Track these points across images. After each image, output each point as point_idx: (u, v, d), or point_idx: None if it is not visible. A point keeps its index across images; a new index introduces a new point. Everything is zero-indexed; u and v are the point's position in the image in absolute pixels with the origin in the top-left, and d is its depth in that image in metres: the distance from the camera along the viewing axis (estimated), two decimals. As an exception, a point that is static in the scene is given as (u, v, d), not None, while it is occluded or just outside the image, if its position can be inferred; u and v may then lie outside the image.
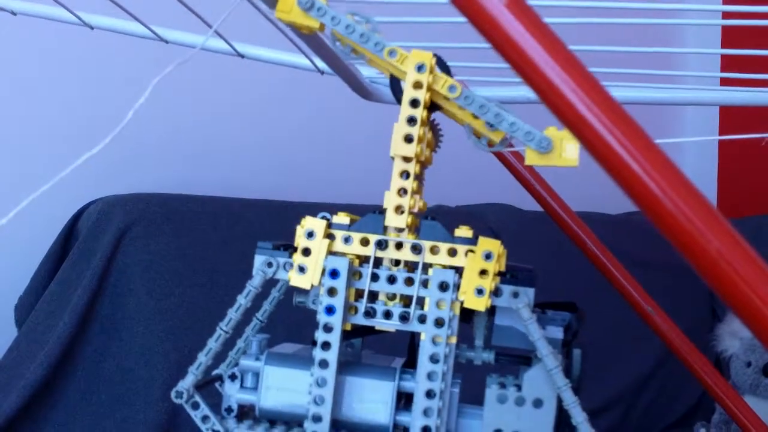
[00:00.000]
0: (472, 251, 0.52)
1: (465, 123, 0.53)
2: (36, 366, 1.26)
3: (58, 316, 1.29)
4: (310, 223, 0.54)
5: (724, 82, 1.74)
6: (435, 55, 0.53)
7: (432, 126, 0.56)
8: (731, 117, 2.11)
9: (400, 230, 0.53)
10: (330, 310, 0.52)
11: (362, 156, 1.66)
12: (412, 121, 0.52)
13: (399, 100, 0.52)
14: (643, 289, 1.68)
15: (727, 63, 2.02)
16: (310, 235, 0.53)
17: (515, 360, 0.55)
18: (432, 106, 0.54)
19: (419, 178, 0.54)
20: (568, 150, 0.52)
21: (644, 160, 0.37)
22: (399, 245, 0.52)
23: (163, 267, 1.34)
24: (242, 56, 0.80)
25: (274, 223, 1.44)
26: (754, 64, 0.80)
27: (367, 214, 0.53)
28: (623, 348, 1.76)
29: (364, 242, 0.53)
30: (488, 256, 0.51)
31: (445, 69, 0.53)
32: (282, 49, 0.81)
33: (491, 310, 0.54)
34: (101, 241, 1.32)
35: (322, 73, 0.82)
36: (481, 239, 0.52)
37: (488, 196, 1.75)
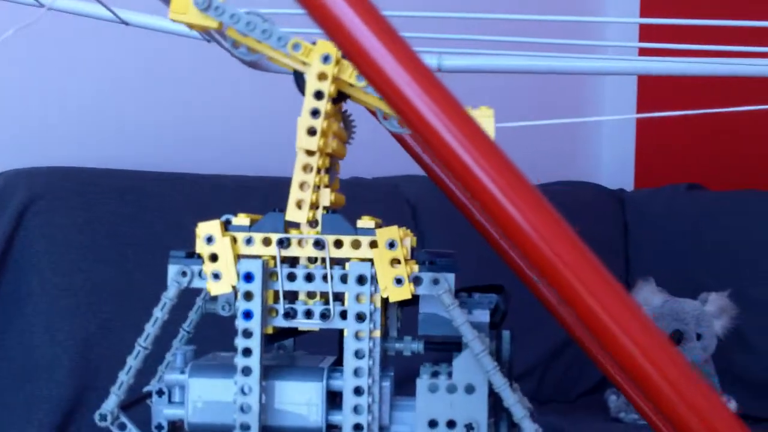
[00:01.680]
0: (375, 242, 0.52)
1: (375, 107, 0.54)
2: (-64, 345, 1.24)
3: (-41, 292, 1.27)
4: (204, 228, 0.53)
5: (643, 53, 1.79)
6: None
7: (344, 117, 0.57)
8: (649, 90, 2.17)
9: (312, 224, 0.53)
10: (248, 315, 0.52)
11: (272, 128, 1.66)
12: (315, 113, 0.52)
13: (303, 93, 0.53)
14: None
15: (646, 34, 2.07)
16: (210, 240, 0.53)
17: (446, 347, 0.56)
18: (340, 97, 0.54)
19: (330, 171, 0.55)
20: (484, 127, 0.54)
21: (451, 123, 0.38)
22: (301, 242, 0.52)
23: (69, 242, 1.32)
24: (126, 23, 0.78)
25: (184, 196, 1.43)
26: (673, 35, 0.82)
27: (269, 213, 0.53)
28: (538, 317, 1.81)
29: (266, 242, 0.53)
30: (392, 245, 0.52)
31: None
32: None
33: (414, 299, 0.54)
34: (3, 216, 1.29)
35: (209, 41, 0.81)
36: (379, 231, 0.52)
37: (406, 168, 1.77)
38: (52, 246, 1.31)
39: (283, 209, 0.53)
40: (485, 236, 0.85)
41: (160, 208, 1.39)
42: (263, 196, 1.40)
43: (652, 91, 2.14)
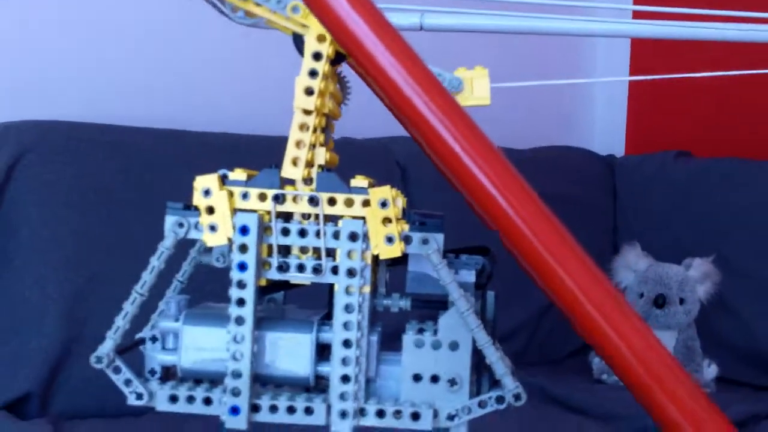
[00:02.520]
0: (368, 201, 0.54)
1: None
2: (-76, 295, 1.26)
3: (-53, 244, 1.29)
4: (201, 181, 0.55)
5: (637, 16, 1.80)
6: None
7: (339, 79, 0.58)
8: (642, 56, 2.18)
9: (307, 182, 0.55)
10: (242, 266, 0.54)
11: (261, 87, 1.67)
12: (313, 74, 0.54)
13: (302, 54, 0.54)
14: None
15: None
16: (207, 193, 0.55)
17: (432, 305, 0.58)
18: (338, 58, 0.56)
19: (325, 131, 0.56)
20: (479, 89, 0.56)
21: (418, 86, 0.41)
22: (295, 198, 0.54)
23: (58, 196, 1.34)
24: None
25: (172, 151, 1.45)
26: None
27: (265, 169, 0.55)
28: (525, 279, 1.84)
29: (262, 197, 0.54)
30: (384, 204, 0.54)
31: None
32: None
33: (403, 258, 0.56)
34: (-7, 168, 1.31)
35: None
36: (371, 190, 0.54)
37: (396, 129, 1.79)
38: (42, 199, 1.33)
39: (279, 165, 0.55)
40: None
41: (149, 163, 1.41)
42: (251, 154, 1.42)
43: (645, 57, 2.15)
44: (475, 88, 0.57)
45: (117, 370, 0.56)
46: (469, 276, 0.57)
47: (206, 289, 0.59)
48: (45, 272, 1.32)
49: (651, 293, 1.64)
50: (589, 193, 2.00)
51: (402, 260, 0.57)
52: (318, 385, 0.56)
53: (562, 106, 2.26)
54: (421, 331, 0.56)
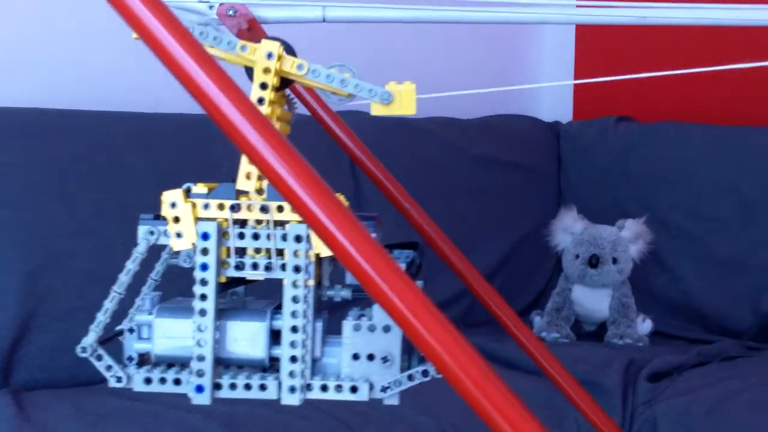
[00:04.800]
0: None
1: (318, 88, 0.67)
2: None
3: None
4: (169, 196, 0.66)
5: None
6: (282, 42, 0.66)
7: (288, 101, 0.70)
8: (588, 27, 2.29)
9: (259, 192, 0.66)
10: (204, 267, 0.66)
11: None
12: (261, 101, 0.66)
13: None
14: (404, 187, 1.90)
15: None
16: (173, 205, 0.66)
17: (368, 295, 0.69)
18: (284, 83, 0.67)
19: None
20: (406, 100, 0.67)
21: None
22: (249, 207, 0.66)
23: (17, 178, 1.44)
24: None
25: (125, 133, 1.56)
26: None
27: (222, 184, 0.67)
28: (470, 242, 1.98)
29: (221, 207, 0.67)
30: None
31: (291, 52, 0.67)
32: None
33: None
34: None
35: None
36: None
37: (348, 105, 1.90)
38: (0, 181, 1.43)
39: (234, 180, 0.66)
40: (360, 166, 0.95)
41: (105, 146, 1.51)
42: (201, 135, 1.51)
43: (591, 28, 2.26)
44: (403, 100, 0.68)
45: (99, 358, 0.67)
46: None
47: (177, 285, 0.71)
48: (4, 251, 1.43)
49: (585, 254, 1.78)
50: (535, 159, 2.13)
51: None
52: (273, 366, 0.68)
53: (511, 74, 2.37)
54: (360, 316, 0.68)
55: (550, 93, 2.40)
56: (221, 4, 0.78)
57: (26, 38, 1.59)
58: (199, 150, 1.50)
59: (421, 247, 0.72)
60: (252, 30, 0.79)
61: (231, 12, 0.77)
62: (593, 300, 1.80)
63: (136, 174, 1.51)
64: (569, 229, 1.82)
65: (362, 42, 1.88)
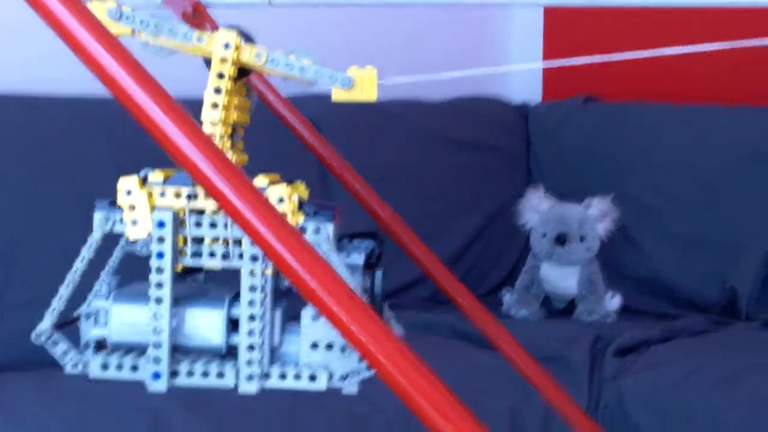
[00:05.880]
0: (267, 198, 0.66)
1: (277, 75, 0.69)
2: None
3: None
4: (124, 183, 0.66)
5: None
6: (239, 31, 0.68)
7: (247, 90, 0.71)
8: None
9: None
10: (160, 255, 0.66)
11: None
12: (218, 91, 0.67)
13: None
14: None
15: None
16: (129, 192, 0.66)
17: None
18: (242, 72, 0.69)
19: (233, 136, 0.69)
20: (367, 85, 0.69)
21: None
22: (206, 196, 0.66)
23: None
24: None
25: (86, 118, 1.56)
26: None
27: (179, 171, 0.67)
28: (439, 222, 2.00)
29: (177, 195, 0.67)
30: (280, 200, 0.66)
31: (250, 40, 0.68)
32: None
33: None
34: None
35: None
36: (269, 189, 0.66)
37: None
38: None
39: None
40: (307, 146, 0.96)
41: (63, 132, 1.52)
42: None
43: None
44: (364, 86, 0.69)
45: (55, 343, 0.67)
46: (359, 258, 0.70)
47: (138, 269, 0.70)
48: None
49: (552, 232, 1.81)
50: (504, 140, 2.16)
51: None
52: (231, 353, 0.68)
53: (479, 56, 2.39)
54: None
55: (519, 75, 2.42)
56: (165, -13, 0.79)
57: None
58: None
59: (381, 235, 0.74)
60: (197, 13, 0.81)
61: (174, -6, 0.78)
62: (561, 277, 1.84)
63: (97, 161, 1.52)
64: (536, 208, 1.85)
65: (324, 26, 1.89)
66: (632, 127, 2.04)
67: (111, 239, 0.70)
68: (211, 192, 0.56)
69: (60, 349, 0.68)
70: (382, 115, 1.95)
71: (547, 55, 2.39)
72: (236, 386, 0.67)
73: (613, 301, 1.84)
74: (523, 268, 1.90)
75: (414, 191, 1.98)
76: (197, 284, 0.73)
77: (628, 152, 2.02)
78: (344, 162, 0.91)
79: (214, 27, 0.84)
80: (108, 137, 1.57)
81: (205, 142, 0.56)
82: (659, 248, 1.95)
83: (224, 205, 0.56)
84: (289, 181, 0.72)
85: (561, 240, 1.80)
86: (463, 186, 2.06)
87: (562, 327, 1.70)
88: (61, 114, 1.56)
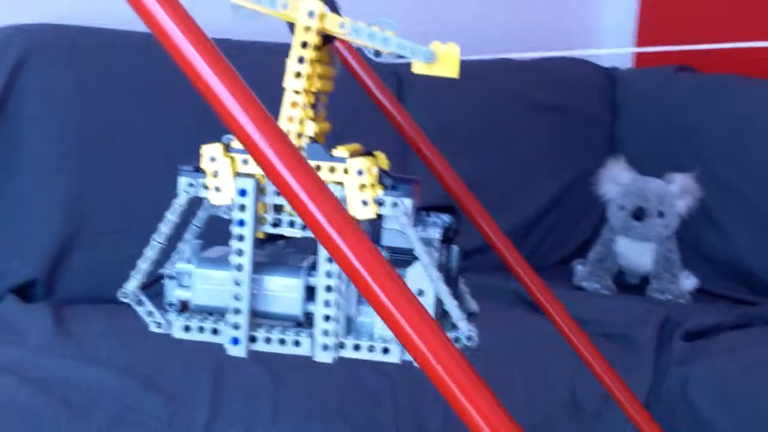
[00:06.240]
0: (347, 169, 0.67)
1: (360, 45, 0.68)
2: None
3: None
4: (208, 150, 0.67)
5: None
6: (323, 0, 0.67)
7: (331, 56, 0.71)
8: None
9: (300, 150, 0.67)
10: (241, 222, 0.67)
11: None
12: (301, 60, 0.67)
13: None
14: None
15: None
16: (213, 159, 0.67)
17: (407, 257, 0.70)
18: (327, 39, 0.68)
19: (315, 105, 0.69)
20: (449, 60, 0.68)
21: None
22: None
23: (61, 96, 1.48)
24: None
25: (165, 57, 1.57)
26: None
27: None
28: (516, 186, 1.99)
29: None
30: (360, 173, 0.67)
31: (334, 8, 0.68)
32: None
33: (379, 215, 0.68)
34: (1, 67, 1.45)
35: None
36: (349, 160, 0.67)
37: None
38: (44, 100, 1.48)
39: None
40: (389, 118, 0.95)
41: (148, 68, 1.52)
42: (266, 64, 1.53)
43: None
44: (446, 61, 0.68)
45: (140, 303, 0.70)
46: (435, 233, 0.70)
47: (220, 230, 0.72)
48: (48, 169, 1.48)
49: (631, 206, 1.78)
50: (589, 105, 2.11)
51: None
52: (308, 321, 0.70)
53: (572, 17, 2.33)
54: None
55: (610, 37, 2.36)
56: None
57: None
58: (260, 80, 1.50)
59: (458, 210, 0.73)
60: None
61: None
62: (637, 253, 1.81)
63: (176, 97, 1.53)
64: (616, 180, 1.82)
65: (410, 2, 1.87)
66: (725, 102, 1.96)
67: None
68: (268, 172, 0.54)
69: (144, 309, 0.70)
70: (464, 75, 1.91)
71: (642, 17, 2.32)
72: (311, 355, 0.69)
73: (688, 282, 1.80)
74: (597, 239, 1.87)
75: (495, 153, 1.96)
76: (278, 250, 0.74)
77: (719, 128, 1.95)
78: (420, 131, 0.91)
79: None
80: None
81: (269, 126, 0.54)
82: (741, 231, 1.89)
83: (276, 180, 0.54)
84: (369, 152, 0.72)
85: (639, 214, 1.77)
86: (544, 150, 2.03)
87: (632, 304, 1.67)
88: (152, 52, 1.56)
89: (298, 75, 0.67)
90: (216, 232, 0.73)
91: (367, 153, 0.72)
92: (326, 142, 0.72)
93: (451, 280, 0.71)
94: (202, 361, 1.16)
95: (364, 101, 0.91)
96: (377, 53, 0.68)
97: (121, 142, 1.52)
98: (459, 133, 1.90)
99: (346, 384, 1.18)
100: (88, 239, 1.49)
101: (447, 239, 0.72)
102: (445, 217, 0.72)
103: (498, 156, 1.96)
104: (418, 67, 0.67)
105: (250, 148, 0.53)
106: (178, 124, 1.52)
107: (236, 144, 0.68)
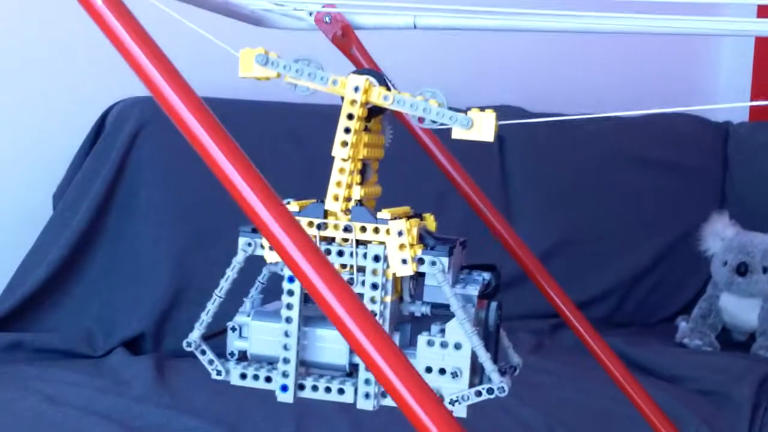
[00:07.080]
0: (389, 230, 0.73)
1: (404, 113, 0.75)
2: (59, 247, 1.56)
3: (81, 203, 1.58)
4: None
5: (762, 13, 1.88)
6: (371, 74, 0.74)
7: (383, 126, 0.77)
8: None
9: (346, 213, 0.74)
10: (291, 279, 0.74)
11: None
12: (347, 131, 0.73)
13: None
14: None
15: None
16: None
17: (447, 312, 0.74)
18: (376, 111, 0.75)
19: (364, 170, 0.75)
20: (485, 126, 0.73)
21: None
22: (335, 226, 0.74)
23: (172, 164, 1.61)
24: None
25: (277, 125, 1.68)
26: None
27: (313, 203, 0.75)
28: (623, 241, 1.99)
29: (310, 224, 0.75)
30: (399, 233, 0.73)
31: (383, 82, 0.74)
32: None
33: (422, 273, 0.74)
34: (120, 137, 1.59)
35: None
36: (391, 222, 0.73)
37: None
38: (161, 165, 1.61)
39: (323, 200, 0.75)
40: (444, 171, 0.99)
41: (259, 135, 1.64)
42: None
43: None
44: (483, 126, 0.73)
45: (203, 353, 0.78)
46: (474, 290, 0.75)
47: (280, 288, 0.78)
48: (159, 230, 1.60)
49: (734, 261, 1.76)
50: (700, 160, 2.11)
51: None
52: (353, 372, 0.75)
53: (686, 72, 2.34)
54: (441, 331, 0.74)
55: (725, 91, 2.34)
56: (319, 12, 0.87)
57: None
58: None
59: (498, 269, 0.78)
60: (345, 36, 0.88)
61: (327, 19, 0.86)
62: (741, 309, 1.78)
63: (286, 161, 1.64)
64: (720, 234, 1.80)
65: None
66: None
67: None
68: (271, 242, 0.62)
69: (206, 357, 0.78)
70: (567, 130, 1.96)
71: (756, 72, 2.30)
72: (354, 402, 0.74)
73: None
74: (702, 296, 1.86)
75: (600, 209, 1.98)
76: None
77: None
78: (488, 201, 0.96)
79: (361, 49, 0.90)
80: (298, 140, 1.69)
81: (264, 193, 0.65)
82: None
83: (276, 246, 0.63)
84: (418, 214, 0.78)
85: (742, 270, 1.75)
86: (652, 206, 2.04)
87: (733, 361, 1.65)
88: (254, 117, 1.68)
89: (345, 144, 0.74)
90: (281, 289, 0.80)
91: (416, 215, 0.78)
92: (381, 203, 0.78)
93: (489, 335, 0.75)
94: (285, 408, 1.22)
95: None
96: (421, 119, 0.74)
97: (223, 205, 1.61)
98: (562, 187, 1.94)
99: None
100: (193, 295, 1.59)
101: (486, 296, 0.77)
102: (486, 275, 0.77)
103: (604, 211, 1.98)
104: (457, 133, 0.72)
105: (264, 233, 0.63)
106: (281, 188, 1.61)
107: (290, 207, 0.76)
